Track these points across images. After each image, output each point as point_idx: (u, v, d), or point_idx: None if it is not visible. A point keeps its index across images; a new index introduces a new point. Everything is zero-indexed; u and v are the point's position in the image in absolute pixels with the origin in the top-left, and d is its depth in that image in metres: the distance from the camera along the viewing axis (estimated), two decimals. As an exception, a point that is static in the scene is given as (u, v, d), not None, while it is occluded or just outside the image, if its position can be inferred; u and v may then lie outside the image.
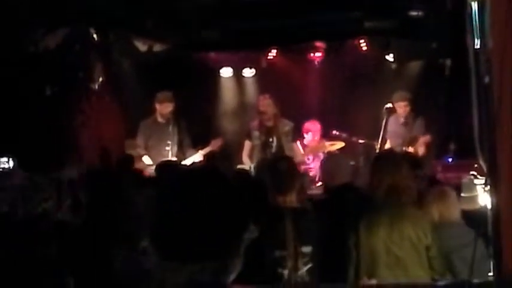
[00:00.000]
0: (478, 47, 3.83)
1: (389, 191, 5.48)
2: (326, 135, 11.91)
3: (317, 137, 11.76)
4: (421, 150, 10.79)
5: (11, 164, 8.11)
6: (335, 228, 5.66)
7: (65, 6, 8.90)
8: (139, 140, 11.12)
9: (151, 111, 11.08)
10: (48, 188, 4.99)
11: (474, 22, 3.83)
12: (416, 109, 11.36)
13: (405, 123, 11.25)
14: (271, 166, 5.91)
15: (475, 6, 3.82)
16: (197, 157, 10.87)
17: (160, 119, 10.94)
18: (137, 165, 10.61)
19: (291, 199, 5.48)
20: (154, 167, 10.35)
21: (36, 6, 8.98)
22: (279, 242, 5.18)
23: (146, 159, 10.91)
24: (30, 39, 10.21)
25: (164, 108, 10.88)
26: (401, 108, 11.20)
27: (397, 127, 11.29)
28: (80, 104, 11.70)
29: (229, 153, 11.67)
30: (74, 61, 11.21)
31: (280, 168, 5.64)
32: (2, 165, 8.06)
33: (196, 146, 11.14)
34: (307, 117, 12.07)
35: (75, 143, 11.51)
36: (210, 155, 10.76)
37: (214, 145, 11.01)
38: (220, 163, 10.37)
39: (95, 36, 11.16)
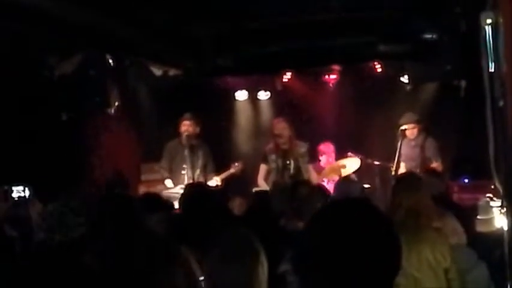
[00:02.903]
0: (493, 70, 3.84)
1: (409, 213, 5.50)
2: (341, 156, 11.93)
3: (331, 158, 11.79)
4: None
5: (27, 192, 8.10)
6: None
7: (80, 32, 8.94)
8: (163, 163, 11.20)
9: (177, 134, 11.12)
10: (83, 213, 5.01)
11: (488, 46, 3.84)
12: (431, 130, 11.37)
13: (416, 146, 11.26)
14: (291, 191, 5.92)
15: (489, 30, 3.84)
16: (215, 181, 10.93)
17: (184, 142, 10.98)
18: (160, 187, 10.69)
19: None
20: (174, 189, 10.45)
21: (51, 33, 9.03)
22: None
23: (168, 183, 10.96)
24: (46, 65, 10.27)
25: (184, 127, 10.92)
26: (410, 130, 11.23)
27: (409, 150, 11.31)
28: (96, 129, 11.74)
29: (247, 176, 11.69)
30: (90, 86, 11.25)
31: (300, 192, 5.65)
32: (18, 194, 8.05)
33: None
34: (322, 139, 12.09)
35: (91, 168, 11.54)
36: (229, 178, 10.83)
37: (235, 168, 11.08)
38: (238, 186, 10.44)
39: (110, 61, 11.22)
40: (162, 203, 6.67)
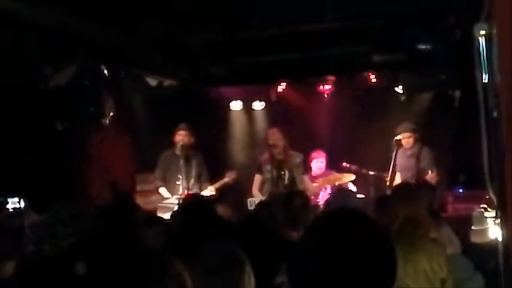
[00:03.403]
0: (486, 81, 3.85)
1: (405, 224, 5.50)
2: (336, 167, 11.96)
3: (322, 163, 11.81)
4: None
5: (22, 204, 8.08)
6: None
7: (75, 42, 8.94)
8: (158, 172, 11.24)
9: (171, 144, 11.13)
10: (71, 223, 5.01)
11: (482, 57, 3.86)
12: (425, 140, 11.38)
13: (411, 155, 11.27)
14: (285, 201, 5.93)
15: (482, 41, 3.85)
16: (209, 191, 10.93)
17: (178, 152, 10.99)
18: (155, 197, 10.70)
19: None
20: (170, 200, 10.46)
21: (46, 43, 9.03)
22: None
23: (163, 192, 10.99)
24: (40, 75, 10.27)
25: (179, 137, 10.95)
26: (405, 139, 11.24)
27: (405, 160, 11.33)
28: (90, 139, 11.75)
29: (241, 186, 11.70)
30: (85, 97, 11.25)
31: (295, 203, 5.66)
32: (13, 206, 8.03)
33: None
34: (316, 149, 12.12)
35: (85, 179, 11.54)
36: (223, 187, 10.85)
37: (229, 177, 11.10)
38: (233, 196, 10.43)
39: (105, 72, 11.23)
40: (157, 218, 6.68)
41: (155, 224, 6.14)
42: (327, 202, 8.56)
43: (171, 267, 4.48)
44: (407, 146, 11.28)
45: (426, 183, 9.97)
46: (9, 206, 8.04)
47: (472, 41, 3.92)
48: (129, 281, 4.22)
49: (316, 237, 2.36)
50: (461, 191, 11.06)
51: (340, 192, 9.61)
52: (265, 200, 9.96)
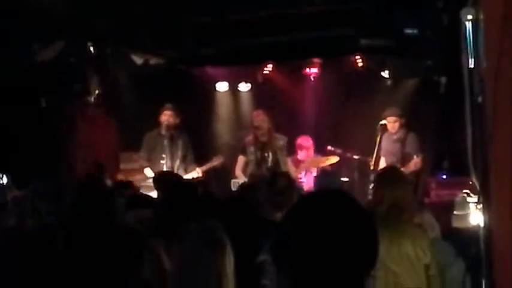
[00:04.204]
0: (472, 66, 3.86)
1: (391, 208, 5.51)
2: (320, 150, 11.96)
3: (310, 152, 11.80)
4: (413, 169, 10.80)
5: (5, 180, 8.06)
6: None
7: (62, 20, 8.90)
8: (143, 152, 11.24)
9: (157, 124, 11.12)
10: (52, 200, 5.02)
11: (468, 41, 3.86)
12: (410, 126, 11.39)
13: (397, 140, 11.26)
14: (269, 182, 5.94)
15: (469, 25, 3.85)
16: (195, 173, 10.95)
17: (163, 132, 11.00)
18: (139, 177, 10.70)
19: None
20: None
21: (33, 20, 8.98)
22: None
23: (148, 172, 10.98)
24: (26, 51, 10.21)
25: (164, 117, 10.95)
26: (391, 123, 11.24)
27: (390, 144, 11.32)
28: (75, 116, 11.71)
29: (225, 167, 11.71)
30: (70, 73, 11.21)
31: (278, 184, 5.66)
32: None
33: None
34: (302, 132, 12.11)
35: (69, 156, 11.51)
36: (210, 170, 10.88)
37: (216, 161, 11.13)
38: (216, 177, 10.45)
39: (91, 49, 11.18)
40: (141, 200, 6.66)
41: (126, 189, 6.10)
42: (313, 184, 8.57)
43: (148, 246, 4.49)
44: (393, 131, 11.28)
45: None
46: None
47: (459, 26, 3.93)
48: (107, 261, 4.23)
49: (297, 217, 2.35)
50: (444, 177, 11.10)
51: (325, 173, 9.63)
52: (248, 181, 9.96)
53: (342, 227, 2.28)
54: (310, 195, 2.75)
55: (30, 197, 5.01)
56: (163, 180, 7.98)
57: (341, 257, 2.25)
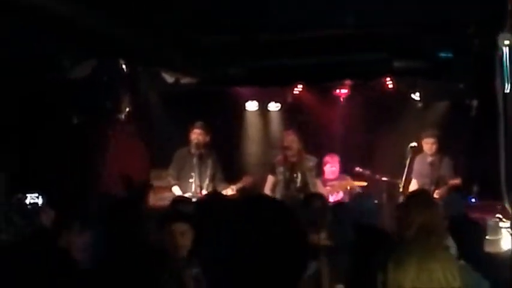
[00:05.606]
0: (508, 91, 3.85)
1: (420, 231, 5.47)
2: (349, 171, 11.97)
3: (335, 168, 11.82)
4: (447, 191, 10.76)
5: (40, 200, 8.07)
6: (364, 266, 5.64)
7: (95, 37, 8.98)
8: (172, 170, 11.24)
9: (186, 142, 11.16)
10: (31, 215, 5.05)
11: (504, 66, 3.86)
12: (442, 149, 11.37)
13: (432, 163, 11.23)
14: (303, 204, 5.93)
15: (506, 50, 3.85)
16: (230, 190, 10.95)
17: (193, 150, 11.02)
18: (168, 194, 10.70)
19: (324, 236, 5.50)
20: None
21: (67, 36, 9.07)
22: (313, 279, 5.18)
23: (176, 190, 10.99)
24: (59, 69, 10.31)
25: (194, 136, 10.97)
26: (428, 145, 11.21)
27: (423, 166, 11.29)
28: (106, 134, 11.78)
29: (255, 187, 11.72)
30: (102, 91, 11.29)
31: (314, 205, 5.66)
32: (33, 201, 8.01)
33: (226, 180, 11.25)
34: (330, 153, 12.14)
35: (99, 173, 11.58)
36: (241, 190, 10.89)
37: (246, 181, 11.13)
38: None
39: (123, 67, 11.26)
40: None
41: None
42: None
43: (169, 267, 4.52)
44: (430, 152, 11.26)
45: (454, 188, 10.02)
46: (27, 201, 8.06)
47: (492, 50, 3.93)
48: (125, 280, 4.27)
49: (225, 226, 2.36)
50: (473, 200, 11.04)
51: (360, 196, 9.60)
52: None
53: (268, 234, 2.28)
54: (236, 203, 2.74)
55: (6, 211, 5.04)
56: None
57: (269, 265, 2.26)
